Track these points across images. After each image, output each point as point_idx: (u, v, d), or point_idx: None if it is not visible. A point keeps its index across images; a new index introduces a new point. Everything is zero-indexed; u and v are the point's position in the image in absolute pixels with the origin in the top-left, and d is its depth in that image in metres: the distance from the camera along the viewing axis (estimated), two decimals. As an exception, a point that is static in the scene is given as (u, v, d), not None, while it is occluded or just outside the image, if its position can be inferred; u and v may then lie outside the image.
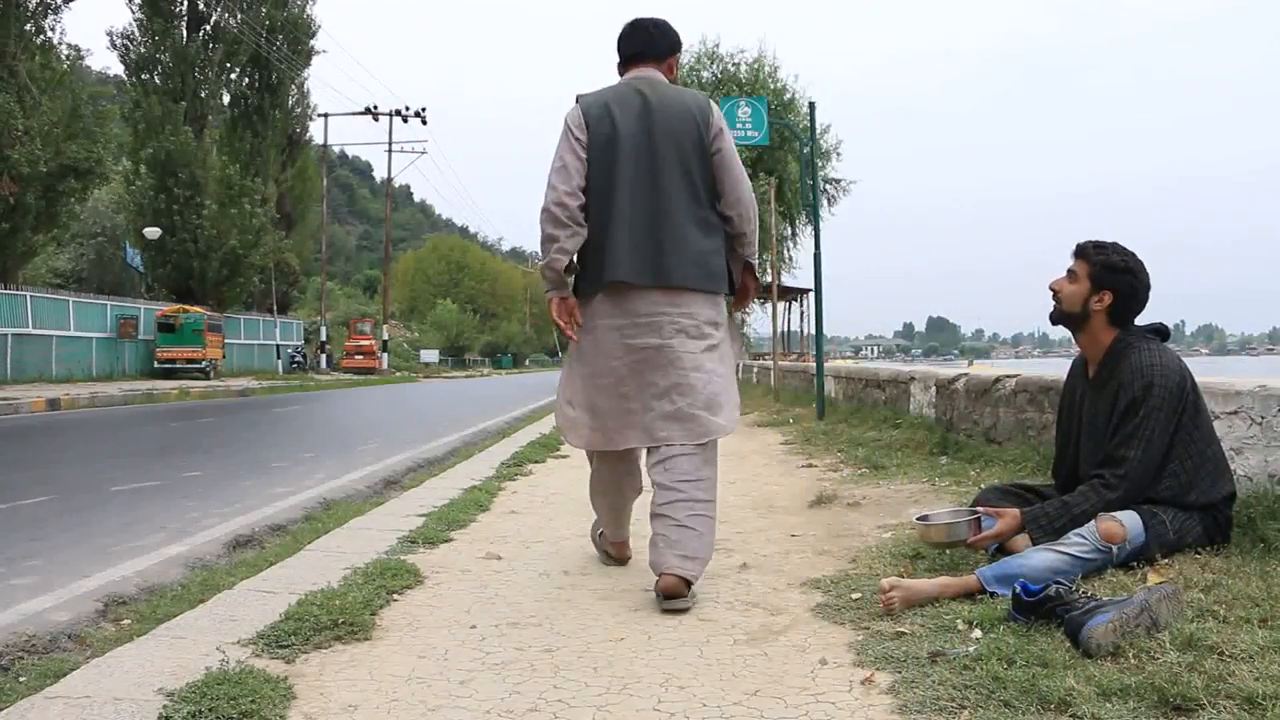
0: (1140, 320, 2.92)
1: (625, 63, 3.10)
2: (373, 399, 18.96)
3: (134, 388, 17.63)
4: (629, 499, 3.24)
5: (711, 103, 3.06)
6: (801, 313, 29.70)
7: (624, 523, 3.28)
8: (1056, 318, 2.97)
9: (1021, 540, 2.81)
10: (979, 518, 2.87)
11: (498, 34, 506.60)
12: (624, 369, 2.91)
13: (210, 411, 13.66)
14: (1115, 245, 2.90)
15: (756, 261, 3.20)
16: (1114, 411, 2.78)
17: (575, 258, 2.92)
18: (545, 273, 2.91)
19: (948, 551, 3.02)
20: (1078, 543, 2.60)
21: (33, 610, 3.09)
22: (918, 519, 3.02)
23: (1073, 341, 3.00)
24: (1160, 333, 2.89)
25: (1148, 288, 2.87)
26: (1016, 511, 2.81)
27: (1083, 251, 2.91)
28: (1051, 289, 2.95)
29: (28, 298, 19.74)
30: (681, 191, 2.92)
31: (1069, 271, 2.93)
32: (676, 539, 2.77)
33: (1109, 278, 2.85)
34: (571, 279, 2.95)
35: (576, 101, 3.01)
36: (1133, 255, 2.88)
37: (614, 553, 3.33)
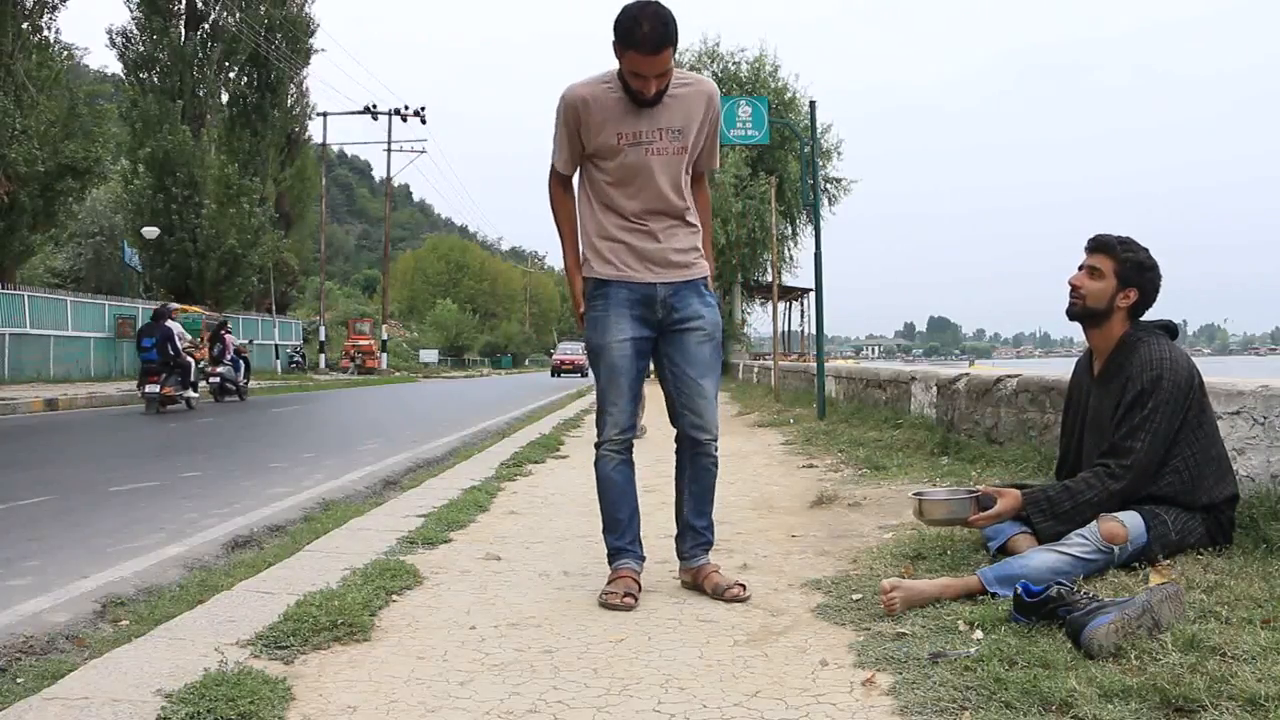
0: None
1: None
2: (372, 399, 18.95)
3: (132, 387, 17.58)
4: None
5: None
6: (802, 312, 29.77)
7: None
8: (1076, 313, 2.88)
9: (1024, 541, 2.80)
10: (979, 496, 2.85)
11: (498, 34, 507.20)
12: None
13: (208, 411, 13.65)
14: (1136, 242, 2.87)
15: None
16: (1120, 404, 2.75)
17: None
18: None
19: (948, 552, 3.01)
20: (1079, 543, 2.59)
21: (30, 611, 3.08)
22: (914, 494, 3.01)
23: (1074, 341, 3.03)
24: (1169, 329, 2.86)
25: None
26: (1017, 492, 2.80)
27: (1107, 247, 2.84)
28: (1072, 284, 2.88)
29: (25, 297, 19.72)
30: None
31: (1090, 268, 2.86)
32: None
33: (1137, 276, 2.82)
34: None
35: None
36: (1149, 252, 2.87)
37: None
